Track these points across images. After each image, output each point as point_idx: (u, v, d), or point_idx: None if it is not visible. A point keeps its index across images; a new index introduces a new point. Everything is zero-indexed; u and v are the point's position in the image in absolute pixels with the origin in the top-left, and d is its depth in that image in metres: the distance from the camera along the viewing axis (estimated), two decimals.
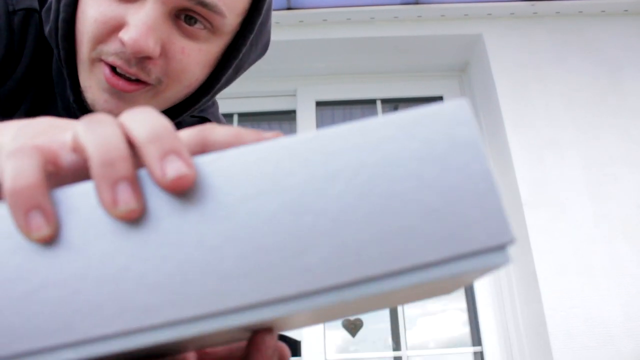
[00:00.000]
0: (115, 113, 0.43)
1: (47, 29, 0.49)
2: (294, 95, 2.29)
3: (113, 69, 0.46)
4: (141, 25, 0.43)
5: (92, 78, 0.47)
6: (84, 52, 0.46)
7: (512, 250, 1.87)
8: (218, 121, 0.69)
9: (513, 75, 1.99)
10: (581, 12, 2.09)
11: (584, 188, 1.78)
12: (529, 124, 1.89)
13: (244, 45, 0.52)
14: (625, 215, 1.74)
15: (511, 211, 1.86)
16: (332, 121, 2.35)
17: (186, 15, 0.46)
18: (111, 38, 0.45)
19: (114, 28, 0.44)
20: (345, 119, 2.36)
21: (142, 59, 0.45)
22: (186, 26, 0.46)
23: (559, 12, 2.09)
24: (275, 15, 2.02)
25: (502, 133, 1.90)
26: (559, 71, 1.99)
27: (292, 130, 2.32)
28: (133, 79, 0.46)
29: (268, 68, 2.19)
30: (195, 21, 0.46)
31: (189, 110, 0.55)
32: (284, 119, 2.36)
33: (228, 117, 2.29)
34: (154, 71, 0.46)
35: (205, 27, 0.47)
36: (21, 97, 0.52)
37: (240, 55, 0.53)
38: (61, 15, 0.46)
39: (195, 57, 0.48)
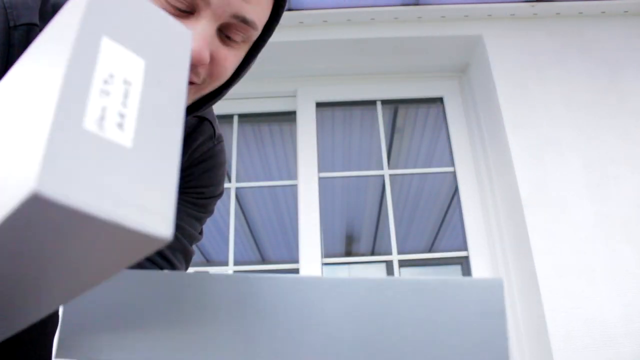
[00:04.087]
0: None
1: None
2: (294, 96, 2.29)
3: None
4: (201, 40, 0.51)
5: None
6: None
7: (510, 253, 1.87)
8: (214, 120, 0.78)
9: (513, 76, 1.99)
10: (581, 13, 2.09)
11: (584, 188, 1.78)
12: (529, 124, 1.89)
13: (263, 46, 0.63)
14: (625, 215, 1.74)
15: (511, 211, 1.86)
16: (332, 122, 2.35)
17: (227, 33, 0.55)
18: None
19: None
20: (345, 119, 2.37)
21: (195, 65, 0.53)
22: (226, 38, 0.55)
23: (559, 13, 2.09)
24: None
25: (502, 133, 1.91)
26: (559, 72, 1.99)
27: (292, 130, 2.33)
28: None
29: (268, 69, 2.20)
30: (235, 34, 0.55)
31: (214, 101, 0.65)
32: (284, 119, 2.36)
33: (228, 118, 2.30)
34: (202, 74, 0.55)
35: (242, 40, 0.56)
36: None
37: (259, 54, 0.64)
38: None
39: (232, 61, 0.57)
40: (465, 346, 0.33)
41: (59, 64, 0.23)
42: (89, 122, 0.22)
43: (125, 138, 0.23)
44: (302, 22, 2.09)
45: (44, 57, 0.25)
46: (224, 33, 0.55)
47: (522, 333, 1.77)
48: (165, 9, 0.51)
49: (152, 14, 0.27)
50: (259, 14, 0.56)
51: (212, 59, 0.54)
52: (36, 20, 0.56)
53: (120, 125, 0.23)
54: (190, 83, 0.56)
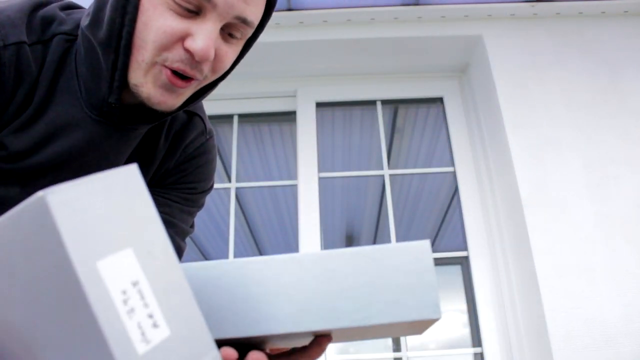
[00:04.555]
0: (168, 104, 0.61)
1: (100, 38, 0.59)
2: (294, 96, 2.29)
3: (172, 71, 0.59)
4: (206, 39, 0.56)
5: (148, 77, 0.59)
6: (146, 57, 0.58)
7: (510, 253, 1.87)
8: (204, 115, 0.82)
9: (513, 75, 1.99)
10: (581, 13, 2.09)
11: (584, 188, 1.78)
12: (529, 124, 1.89)
13: (255, 41, 0.68)
14: (625, 215, 1.73)
15: (511, 211, 1.86)
16: (332, 122, 2.35)
17: (228, 31, 0.60)
18: (175, 46, 0.57)
19: (179, 38, 0.57)
20: (345, 119, 2.37)
21: (200, 62, 0.58)
22: (227, 36, 0.61)
23: (559, 13, 2.09)
24: (276, 16, 2.02)
25: (502, 133, 1.91)
26: (559, 72, 1.99)
27: (292, 130, 2.33)
28: (187, 77, 0.60)
29: (268, 69, 2.20)
30: (235, 32, 0.61)
31: (206, 94, 0.69)
32: (284, 119, 2.36)
33: (228, 118, 2.30)
34: (205, 70, 0.60)
35: (240, 37, 0.62)
36: (42, 111, 0.63)
37: (250, 47, 0.68)
38: (126, 29, 0.57)
39: (231, 57, 0.63)
40: (402, 300, 0.40)
41: (85, 320, 0.25)
42: (138, 345, 0.26)
43: (163, 331, 0.28)
44: (302, 22, 2.09)
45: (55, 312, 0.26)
46: (225, 31, 0.60)
47: (522, 333, 1.77)
48: (173, 9, 0.56)
49: (98, 186, 0.28)
50: (257, 14, 0.61)
51: (215, 55, 0.60)
52: (24, 37, 0.60)
53: (155, 325, 0.28)
54: (193, 79, 0.61)
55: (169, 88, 0.60)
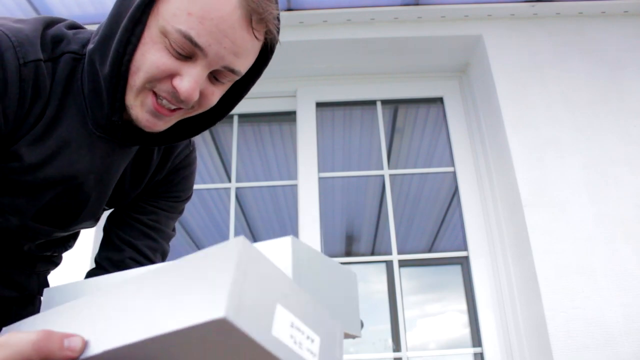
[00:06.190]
0: (154, 128, 0.66)
1: (106, 67, 0.64)
2: (294, 96, 2.29)
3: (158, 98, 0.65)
4: (192, 82, 0.62)
5: (138, 100, 0.65)
6: (138, 82, 0.63)
7: (510, 253, 1.87)
8: (194, 146, 0.91)
9: (513, 75, 1.99)
10: (581, 13, 2.09)
11: (584, 188, 1.78)
12: (529, 124, 1.89)
13: (252, 84, 0.74)
14: (625, 216, 1.73)
15: (511, 211, 1.86)
16: (332, 122, 2.35)
17: (216, 76, 0.66)
18: (164, 81, 0.63)
19: (169, 75, 0.62)
20: (345, 119, 2.37)
21: (184, 101, 0.63)
22: (214, 79, 0.66)
23: (559, 13, 2.09)
24: None
25: (502, 133, 1.91)
26: (559, 72, 1.99)
27: (292, 130, 2.33)
28: (173, 108, 0.65)
29: (268, 69, 2.19)
30: (222, 78, 0.66)
31: (206, 129, 0.77)
32: (284, 119, 2.36)
33: (228, 118, 2.30)
34: (191, 103, 0.65)
35: (226, 82, 0.67)
36: (53, 126, 0.67)
37: (248, 91, 0.76)
38: (126, 57, 0.62)
39: (217, 95, 0.68)
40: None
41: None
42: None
43: (317, 340, 0.38)
44: (302, 22, 2.09)
45: None
46: (213, 75, 0.65)
47: (522, 333, 1.77)
48: (169, 51, 0.61)
49: (241, 275, 0.35)
50: (245, 65, 0.66)
51: (201, 94, 0.65)
52: (40, 55, 0.63)
53: (312, 340, 0.37)
54: (179, 109, 0.66)
55: (154, 114, 0.65)
